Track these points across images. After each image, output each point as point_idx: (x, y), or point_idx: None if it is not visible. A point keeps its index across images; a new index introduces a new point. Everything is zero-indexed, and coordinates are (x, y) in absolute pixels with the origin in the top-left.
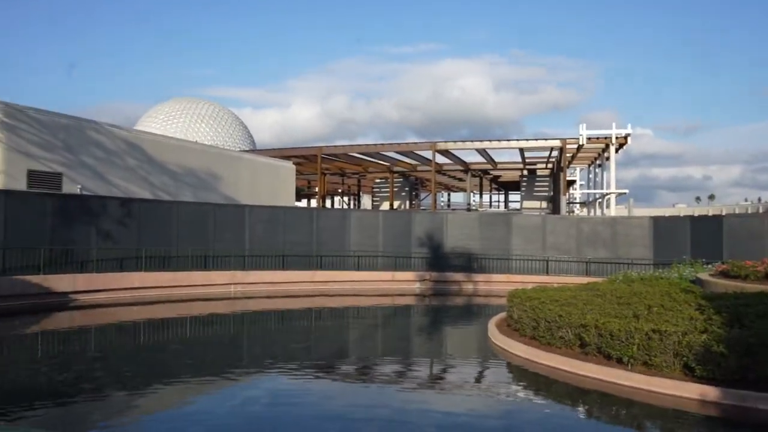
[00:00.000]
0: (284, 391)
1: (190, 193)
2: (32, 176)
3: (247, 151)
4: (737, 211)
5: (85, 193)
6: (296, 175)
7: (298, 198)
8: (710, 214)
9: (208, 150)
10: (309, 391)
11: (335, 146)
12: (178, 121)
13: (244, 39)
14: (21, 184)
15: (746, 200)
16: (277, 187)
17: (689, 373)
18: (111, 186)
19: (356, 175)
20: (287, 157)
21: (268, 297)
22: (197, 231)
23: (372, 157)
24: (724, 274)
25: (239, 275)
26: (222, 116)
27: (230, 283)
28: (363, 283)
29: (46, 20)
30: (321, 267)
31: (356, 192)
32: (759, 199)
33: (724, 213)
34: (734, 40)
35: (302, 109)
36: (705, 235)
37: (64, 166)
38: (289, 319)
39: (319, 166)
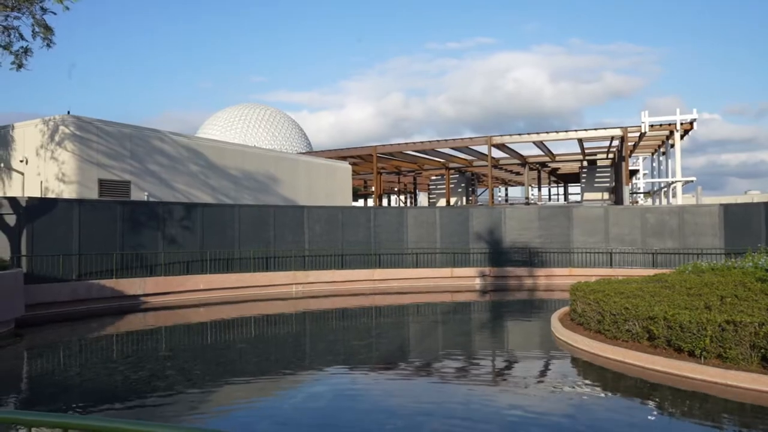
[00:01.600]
0: (348, 388)
1: (250, 197)
2: (103, 185)
3: (303, 153)
4: None
5: (151, 199)
6: (352, 175)
7: (355, 198)
8: None
9: (266, 153)
10: (372, 387)
11: (390, 145)
12: (237, 126)
13: (296, 43)
14: (93, 193)
15: None
16: (334, 188)
17: None
18: (175, 192)
19: (412, 173)
20: (343, 158)
21: (329, 296)
22: (258, 233)
23: (427, 155)
24: None
25: (300, 275)
26: (278, 120)
27: (291, 283)
28: (422, 280)
29: (105, 32)
30: (379, 265)
31: (412, 190)
32: None
33: None
34: None
35: (357, 110)
36: None
37: (132, 174)
38: (350, 318)
39: (375, 166)
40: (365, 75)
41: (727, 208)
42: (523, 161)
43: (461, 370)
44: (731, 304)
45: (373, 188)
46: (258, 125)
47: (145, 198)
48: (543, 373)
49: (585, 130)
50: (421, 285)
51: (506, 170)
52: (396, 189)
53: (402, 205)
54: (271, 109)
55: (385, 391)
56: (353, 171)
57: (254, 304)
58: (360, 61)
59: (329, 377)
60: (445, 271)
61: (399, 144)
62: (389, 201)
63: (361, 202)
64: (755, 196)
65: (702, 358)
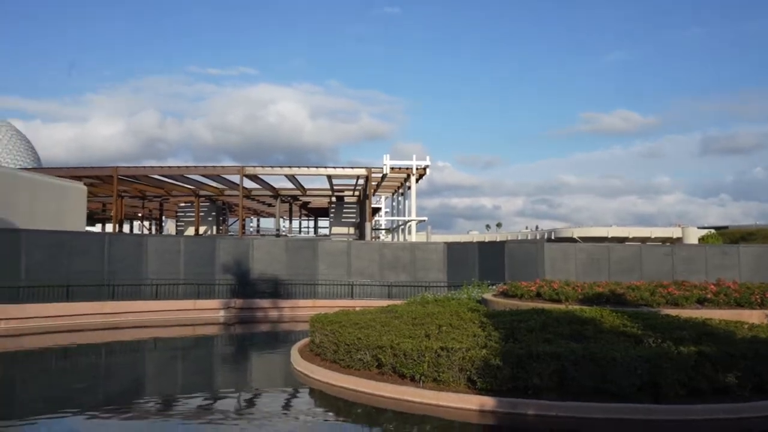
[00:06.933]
0: None
1: None
2: None
3: (27, 169)
4: (519, 237)
5: None
6: (89, 197)
7: (92, 222)
8: (497, 240)
9: None
10: None
11: (134, 167)
12: None
13: (31, 44)
14: None
15: (526, 228)
16: (64, 210)
17: (472, 386)
18: None
19: (159, 198)
20: (78, 177)
21: (48, 333)
22: None
23: (176, 180)
24: (504, 294)
25: (12, 309)
26: None
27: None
28: (162, 313)
29: None
30: (114, 297)
31: (158, 216)
32: (536, 227)
33: (507, 239)
34: (527, 86)
35: (104, 126)
36: (490, 258)
37: None
38: (71, 357)
39: (115, 188)
40: (116, 90)
41: (450, 246)
42: (276, 193)
43: (196, 407)
44: (446, 332)
45: (113, 212)
46: None
47: None
48: (275, 406)
49: (334, 167)
50: (161, 318)
51: (259, 201)
52: (140, 214)
53: (146, 232)
54: None
55: None
56: (91, 193)
57: None
58: (111, 75)
59: (39, 427)
60: (188, 303)
61: (144, 167)
62: (131, 227)
63: (98, 227)
64: (475, 236)
65: (421, 382)
